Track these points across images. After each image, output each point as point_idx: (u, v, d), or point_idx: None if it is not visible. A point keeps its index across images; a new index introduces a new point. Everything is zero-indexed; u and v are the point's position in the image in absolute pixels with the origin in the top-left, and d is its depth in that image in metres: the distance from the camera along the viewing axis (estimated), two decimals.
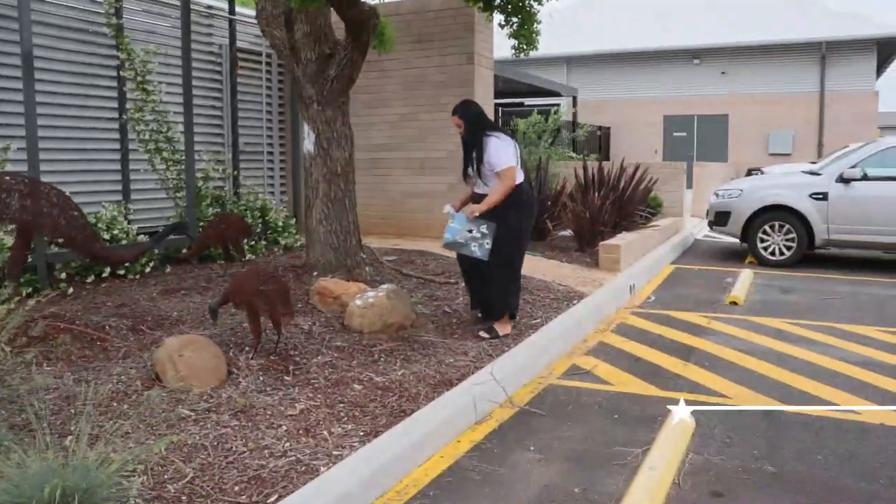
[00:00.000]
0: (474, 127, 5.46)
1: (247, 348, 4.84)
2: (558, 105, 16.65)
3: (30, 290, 5.71)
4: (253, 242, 7.87)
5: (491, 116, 9.37)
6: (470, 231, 5.34)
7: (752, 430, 4.22)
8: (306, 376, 4.51)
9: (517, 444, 4.03)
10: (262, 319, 4.78)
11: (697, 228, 13.81)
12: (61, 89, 6.82)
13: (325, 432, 3.77)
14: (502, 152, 5.31)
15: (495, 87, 10.34)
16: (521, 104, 20.66)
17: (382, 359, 4.91)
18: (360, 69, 6.42)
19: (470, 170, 5.53)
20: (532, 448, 3.97)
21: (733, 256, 10.79)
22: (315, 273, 6.49)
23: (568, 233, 10.09)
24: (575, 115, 19.95)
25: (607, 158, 21.59)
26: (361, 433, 3.78)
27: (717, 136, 25.14)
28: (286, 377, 4.48)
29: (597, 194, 9.26)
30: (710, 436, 4.15)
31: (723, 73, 24.93)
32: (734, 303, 7.53)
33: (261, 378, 4.44)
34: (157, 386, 4.24)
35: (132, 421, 3.74)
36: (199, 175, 7.73)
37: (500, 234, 5.33)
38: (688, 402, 4.63)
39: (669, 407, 4.49)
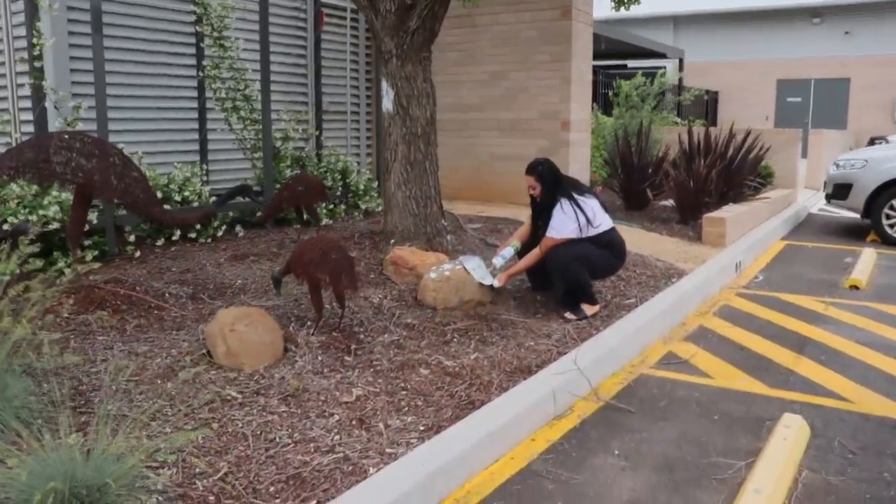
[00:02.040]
0: (550, 190, 5.00)
1: (309, 322, 4.48)
2: (664, 68, 15.67)
3: (96, 252, 5.51)
4: (332, 206, 7.53)
5: (589, 77, 8.75)
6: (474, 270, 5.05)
7: (880, 445, 3.58)
8: (369, 357, 4.11)
9: (600, 445, 3.53)
10: (325, 293, 4.40)
11: (812, 201, 12.77)
12: (134, 45, 6.58)
13: (381, 425, 3.36)
14: (565, 224, 4.87)
15: (596, 48, 9.64)
16: (625, 66, 19.66)
17: (455, 339, 4.47)
18: (442, 21, 5.91)
19: (541, 223, 5.12)
20: (616, 452, 3.47)
21: (853, 233, 9.82)
22: (392, 241, 6.08)
23: (669, 203, 9.38)
24: (681, 78, 18.82)
25: (714, 124, 20.35)
26: (422, 427, 3.36)
27: (835, 101, 23.38)
28: (347, 357, 4.09)
29: (702, 162, 8.50)
30: (828, 449, 3.53)
31: (846, 32, 23.09)
32: (855, 286, 6.73)
33: (319, 357, 4.06)
34: (207, 362, 3.92)
35: (174, 403, 3.43)
36: (278, 135, 7.42)
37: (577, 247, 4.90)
38: (801, 405, 4.01)
39: (786, 414, 3.88)
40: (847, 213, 10.58)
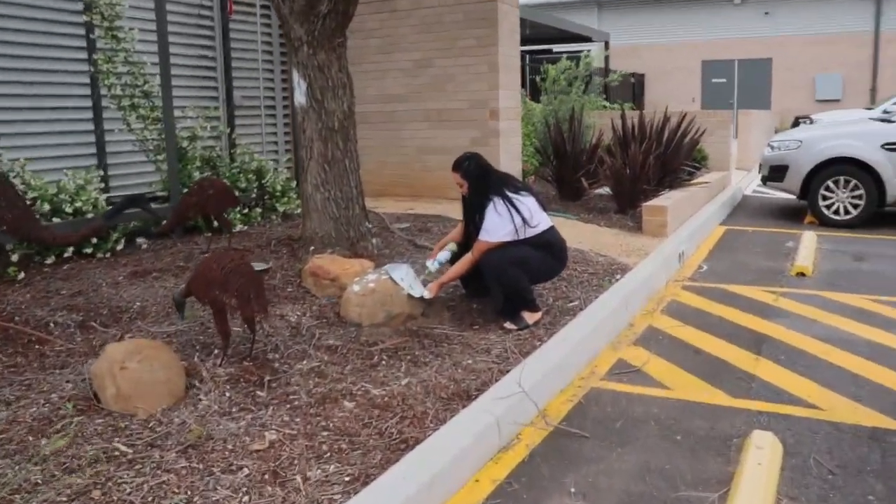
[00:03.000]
0: (478, 188, 4.51)
1: (216, 351, 3.91)
2: (589, 51, 15.40)
3: None
4: (246, 210, 6.91)
5: (517, 63, 8.29)
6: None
7: (860, 462, 3.22)
8: (285, 390, 3.57)
9: (552, 482, 3.08)
10: (232, 317, 3.84)
11: (745, 183, 12.64)
12: (7, 36, 5.83)
13: (299, 478, 2.83)
14: (498, 227, 4.39)
15: (521, 32, 9.20)
16: (550, 51, 19.35)
17: (384, 362, 3.96)
18: (357, 3, 5.37)
19: (472, 225, 4.65)
20: (573, 490, 3.02)
21: (790, 215, 9.65)
22: (312, 248, 5.53)
23: (605, 191, 9.03)
24: (607, 60, 18.62)
25: (642, 107, 20.26)
26: (347, 478, 2.85)
27: (759, 81, 23.58)
28: (259, 392, 3.54)
29: (638, 148, 8.16)
30: (805, 470, 3.16)
31: (766, 13, 23.27)
32: (801, 273, 6.46)
33: (227, 394, 3.51)
34: (94, 408, 3.33)
35: (46, 467, 2.83)
36: (184, 134, 6.76)
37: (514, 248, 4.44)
38: (769, 416, 3.65)
39: (756, 432, 3.50)
40: (782, 195, 10.43)
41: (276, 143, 8.51)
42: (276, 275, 5.16)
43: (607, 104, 14.28)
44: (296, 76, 5.38)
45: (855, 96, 22.18)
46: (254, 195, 7.07)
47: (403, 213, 7.50)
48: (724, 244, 7.91)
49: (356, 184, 5.63)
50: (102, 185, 6.44)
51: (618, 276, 5.72)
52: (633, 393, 3.98)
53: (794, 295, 5.83)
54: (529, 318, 4.53)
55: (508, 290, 4.46)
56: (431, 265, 4.74)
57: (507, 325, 4.49)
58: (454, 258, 4.74)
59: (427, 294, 4.46)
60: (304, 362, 3.88)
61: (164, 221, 5.68)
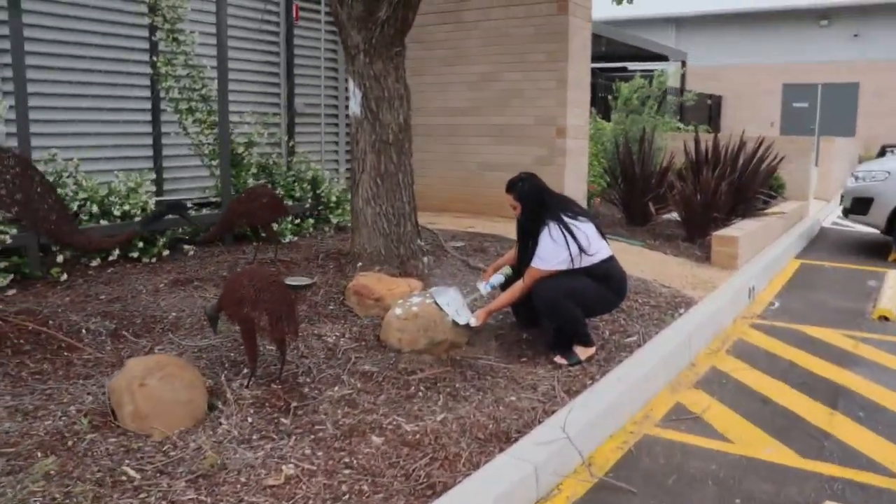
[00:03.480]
0: (533, 211, 4.21)
1: (245, 370, 3.71)
2: (664, 70, 14.93)
3: (12, 276, 4.75)
4: (298, 221, 6.76)
5: (588, 80, 7.97)
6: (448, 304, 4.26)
7: None
8: (311, 418, 3.34)
9: None
10: (261, 337, 3.63)
11: (823, 214, 12.00)
12: (69, 37, 5.79)
13: None
14: (553, 254, 4.08)
15: (595, 49, 8.89)
16: (624, 69, 18.89)
17: (420, 393, 3.69)
18: (417, 10, 5.15)
19: (527, 248, 4.32)
20: None
21: (872, 251, 9.05)
22: (360, 264, 5.32)
23: (674, 216, 8.61)
24: (683, 79, 18.08)
25: (717, 130, 19.61)
26: None
27: (844, 107, 22.57)
28: (283, 419, 3.32)
29: (711, 173, 7.74)
30: None
31: (855, 35, 22.29)
32: (885, 317, 5.96)
33: (249, 419, 3.30)
34: (109, 426, 3.16)
35: (47, 489, 2.66)
36: (240, 140, 6.65)
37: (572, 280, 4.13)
38: (843, 483, 3.25)
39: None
40: (865, 228, 9.82)
41: (336, 152, 8.37)
42: (319, 291, 4.95)
43: (681, 126, 13.79)
44: (351, 85, 5.19)
45: None
46: (307, 205, 6.91)
47: (460, 231, 7.24)
48: (798, 280, 7.41)
49: (409, 199, 5.39)
50: (155, 188, 6.38)
51: (681, 311, 5.34)
52: (689, 444, 3.62)
53: (875, 342, 5.36)
54: (582, 353, 4.21)
55: (561, 323, 4.16)
56: (483, 288, 4.47)
57: (558, 359, 4.18)
58: (507, 283, 4.46)
59: (473, 321, 4.18)
60: (336, 388, 3.65)
61: (211, 229, 5.54)
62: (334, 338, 4.25)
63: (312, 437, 3.18)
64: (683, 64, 19.00)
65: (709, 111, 21.44)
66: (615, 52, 16.77)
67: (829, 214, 12.36)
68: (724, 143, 8.46)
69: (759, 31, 23.65)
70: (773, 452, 3.56)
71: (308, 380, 3.72)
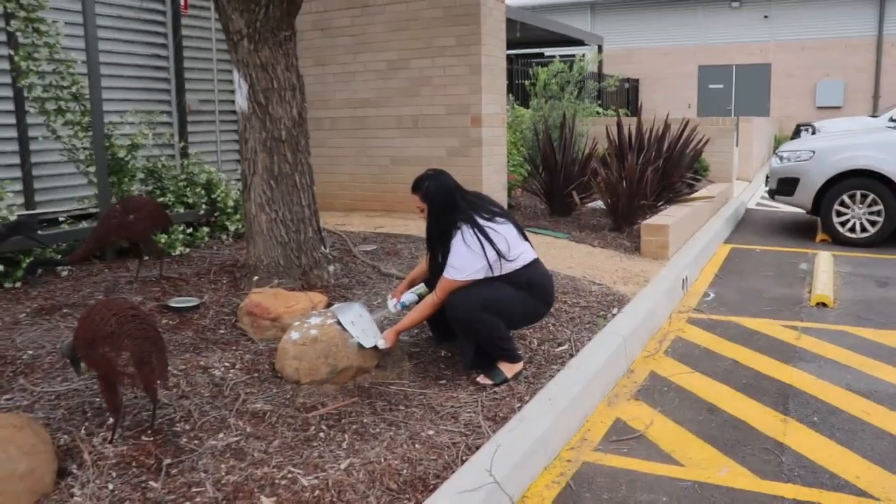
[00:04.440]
0: (443, 214, 3.66)
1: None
2: (583, 55, 14.61)
3: None
4: (191, 230, 6.08)
5: (503, 64, 7.48)
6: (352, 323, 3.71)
7: None
8: (188, 478, 2.74)
9: None
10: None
11: (747, 195, 11.87)
12: None
13: None
14: (467, 262, 3.55)
15: (510, 35, 8.44)
16: (541, 55, 18.58)
17: (322, 434, 3.13)
18: None
19: (439, 257, 3.79)
20: None
21: (800, 231, 8.87)
22: (256, 278, 4.72)
23: (599, 205, 8.24)
24: (601, 64, 17.86)
25: (638, 113, 19.51)
26: None
27: (757, 87, 22.81)
28: (154, 481, 2.72)
29: (636, 159, 7.37)
30: None
31: (765, 16, 22.50)
32: (822, 303, 5.67)
33: (110, 485, 2.68)
34: None
35: None
36: (123, 143, 5.93)
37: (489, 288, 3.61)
38: None
39: None
40: (790, 209, 9.67)
41: (235, 151, 7.68)
42: (208, 312, 4.33)
43: (601, 111, 13.50)
44: (236, 76, 4.57)
45: (856, 103, 21.42)
46: (202, 212, 6.24)
47: (371, 232, 6.69)
48: (730, 266, 7.12)
49: (309, 202, 4.81)
50: (23, 200, 5.63)
51: (614, 311, 4.91)
52: (634, 471, 3.17)
53: (818, 332, 5.04)
54: (508, 370, 3.71)
55: (480, 340, 3.65)
56: (392, 305, 3.93)
57: (481, 379, 3.68)
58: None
59: (382, 343, 3.64)
60: (221, 436, 3.06)
61: (81, 246, 4.84)
62: (222, 370, 3.65)
63: (189, 503, 2.60)
64: (600, 49, 18.83)
65: (627, 95, 21.33)
66: (531, 37, 16.42)
67: (752, 195, 12.26)
68: (647, 126, 8.11)
69: (674, 14, 23.72)
70: (728, 475, 3.14)
71: (187, 427, 3.12)
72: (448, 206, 3.62)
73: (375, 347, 3.63)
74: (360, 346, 3.59)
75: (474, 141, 7.30)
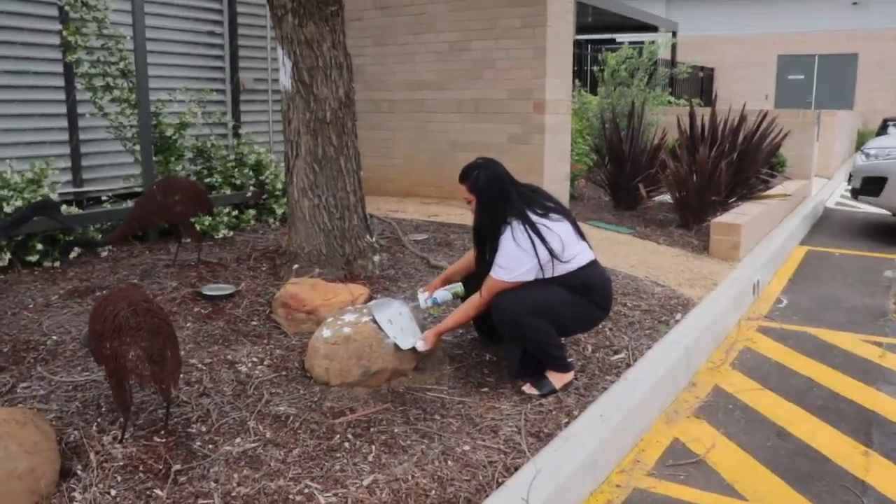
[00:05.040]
0: (492, 207, 3.32)
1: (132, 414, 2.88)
2: (654, 41, 14.03)
3: None
4: (237, 212, 5.90)
5: (569, 48, 7.10)
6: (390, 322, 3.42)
7: None
8: (196, 487, 2.52)
9: None
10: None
11: (826, 193, 11.21)
12: None
13: None
14: (516, 261, 3.22)
15: (581, 19, 8.06)
16: (612, 40, 17.98)
17: (347, 444, 2.87)
18: None
19: (486, 252, 3.47)
20: None
21: (884, 235, 8.27)
22: (296, 266, 4.49)
23: (667, 199, 7.79)
24: (674, 51, 17.17)
25: (711, 104, 18.76)
26: None
27: (841, 79, 21.69)
28: (159, 489, 2.50)
29: (709, 152, 6.91)
30: None
31: (854, 2, 21.37)
32: None
33: (113, 491, 2.48)
34: None
35: None
36: (173, 122, 5.78)
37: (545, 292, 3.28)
38: None
39: None
40: (873, 209, 9.03)
41: None
42: (242, 301, 4.12)
43: (672, 100, 12.94)
44: (280, 53, 4.34)
45: None
46: (249, 194, 6.05)
47: (425, 220, 6.41)
48: (806, 270, 6.62)
49: (354, 188, 4.56)
50: (71, 177, 5.53)
51: (678, 316, 4.54)
52: (692, 503, 2.83)
53: None
54: (557, 380, 3.39)
55: (528, 347, 3.34)
56: (423, 301, 3.64)
57: (527, 388, 3.37)
58: (465, 295, 3.64)
59: (421, 345, 3.35)
60: (238, 440, 2.83)
61: (118, 227, 4.69)
62: (249, 365, 3.42)
63: None
64: (674, 34, 18.10)
65: (700, 84, 20.56)
66: (602, 21, 15.86)
67: (832, 193, 11.58)
68: (721, 117, 7.62)
69: (753, 0, 22.71)
70: None
71: (203, 428, 2.90)
72: (498, 198, 3.30)
73: (413, 349, 3.35)
74: (397, 347, 3.31)
75: (537, 127, 6.95)
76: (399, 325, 3.42)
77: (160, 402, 2.98)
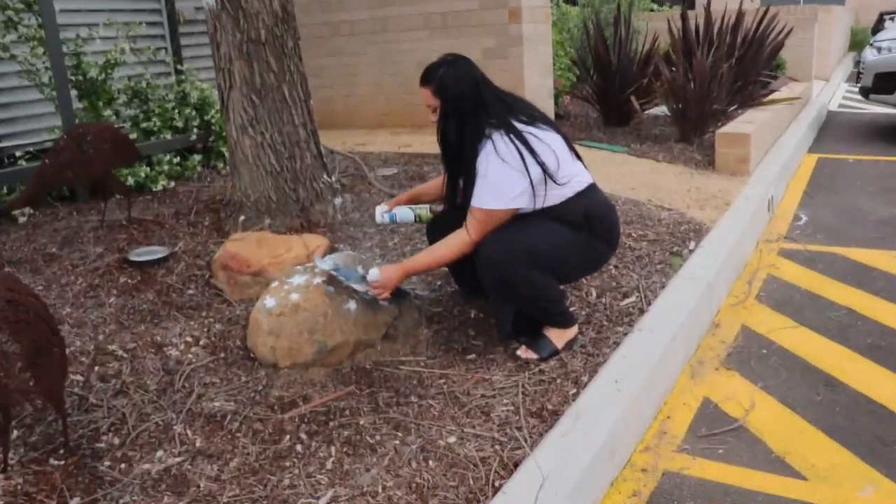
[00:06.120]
0: (461, 118, 2.60)
1: (36, 429, 2.26)
2: None
3: None
4: (178, 159, 5.18)
5: None
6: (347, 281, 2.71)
7: None
8: None
9: None
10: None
11: (826, 95, 10.50)
12: None
13: None
14: (501, 181, 2.52)
15: None
16: None
17: (300, 447, 2.26)
18: None
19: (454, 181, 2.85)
20: None
21: (894, 137, 7.62)
22: (242, 217, 3.82)
23: (662, 111, 7.10)
24: None
25: (692, 7, 17.77)
26: None
27: None
28: None
29: (706, 55, 6.18)
30: None
31: None
32: None
33: None
34: None
35: None
36: (97, 61, 5.00)
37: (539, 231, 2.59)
38: None
39: None
40: (884, 109, 8.37)
41: None
42: (177, 265, 3.46)
43: (655, 7, 12.07)
44: None
45: None
46: (193, 137, 5.32)
47: (395, 152, 5.71)
48: (820, 180, 5.99)
49: (304, 121, 3.86)
50: None
51: (691, 245, 3.91)
52: (738, 487, 2.25)
53: None
54: (558, 337, 2.77)
55: (524, 307, 2.70)
56: (379, 215, 3.00)
57: (522, 352, 2.75)
58: (432, 233, 3.00)
59: (375, 274, 2.62)
60: (160, 454, 2.21)
61: (25, 188, 3.98)
62: (182, 348, 2.79)
63: None
64: None
65: None
66: None
67: (833, 95, 10.89)
68: (716, 17, 6.86)
69: None
70: (874, 497, 2.19)
71: (116, 441, 2.27)
72: (472, 104, 2.58)
73: (379, 305, 2.70)
74: (359, 301, 2.66)
75: (514, 39, 6.19)
76: (347, 273, 2.76)
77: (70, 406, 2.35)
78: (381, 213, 3.02)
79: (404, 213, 3.01)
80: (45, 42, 4.47)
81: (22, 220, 4.28)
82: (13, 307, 1.96)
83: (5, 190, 4.40)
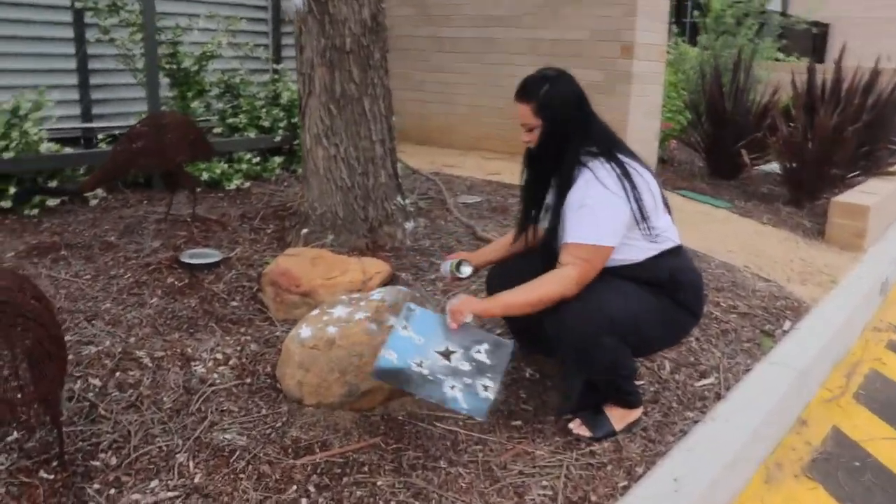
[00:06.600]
0: (561, 139, 2.30)
1: (25, 436, 2.10)
2: None
3: None
4: (258, 159, 5.09)
5: (667, 4, 5.96)
6: (447, 354, 2.27)
7: None
8: None
9: None
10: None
11: None
12: None
13: None
14: (609, 211, 2.22)
15: None
16: None
17: (304, 502, 2.02)
18: None
19: (535, 212, 2.54)
20: None
21: None
22: (305, 231, 3.64)
23: (774, 168, 6.62)
24: (785, 2, 15.47)
25: (821, 61, 16.94)
26: None
27: None
28: None
29: (830, 114, 5.70)
30: None
31: None
32: None
33: None
34: None
35: None
36: (193, 52, 4.97)
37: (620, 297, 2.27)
38: None
39: None
40: None
41: None
42: (228, 272, 3.29)
43: (781, 56, 11.46)
44: None
45: None
46: (278, 138, 5.22)
47: (483, 179, 5.46)
48: None
49: (383, 137, 3.65)
50: (80, 112, 4.81)
51: (786, 323, 3.51)
52: None
53: None
54: (619, 418, 2.45)
55: (596, 375, 2.38)
56: (444, 266, 2.68)
57: (576, 427, 2.43)
58: (490, 283, 2.70)
59: (470, 317, 2.33)
60: (154, 485, 2.01)
61: (92, 174, 3.91)
62: (209, 364, 2.60)
63: None
64: None
65: (812, 41, 18.64)
66: None
67: None
68: (847, 75, 6.35)
69: None
70: None
71: (114, 461, 2.09)
72: (580, 129, 2.29)
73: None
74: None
75: (623, 75, 5.87)
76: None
77: (69, 417, 2.19)
78: (448, 266, 2.68)
79: (466, 268, 2.67)
80: (144, 27, 4.43)
81: (93, 202, 4.24)
82: (5, 310, 1.80)
83: (83, 171, 4.37)
